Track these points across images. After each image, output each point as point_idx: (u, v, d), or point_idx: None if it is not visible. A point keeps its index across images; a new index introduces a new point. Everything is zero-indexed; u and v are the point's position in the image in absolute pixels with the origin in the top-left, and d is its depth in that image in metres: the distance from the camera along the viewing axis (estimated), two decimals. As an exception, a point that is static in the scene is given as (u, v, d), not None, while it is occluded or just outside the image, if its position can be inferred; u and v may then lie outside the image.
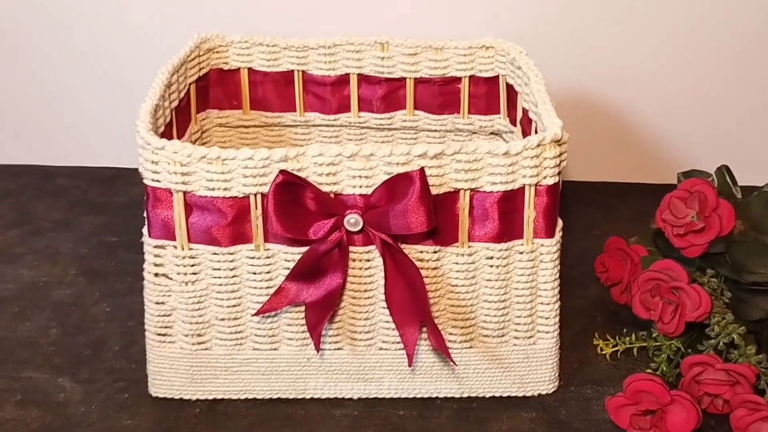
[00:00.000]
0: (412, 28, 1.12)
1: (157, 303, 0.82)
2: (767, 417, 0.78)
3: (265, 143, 1.08)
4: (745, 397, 0.79)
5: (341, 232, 0.77)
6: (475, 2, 1.19)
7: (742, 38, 1.20)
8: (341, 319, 0.82)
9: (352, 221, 0.77)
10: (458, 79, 1.04)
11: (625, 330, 0.92)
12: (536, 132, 0.87)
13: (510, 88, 1.01)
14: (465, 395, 0.85)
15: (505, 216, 0.79)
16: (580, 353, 0.92)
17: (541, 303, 0.83)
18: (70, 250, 1.09)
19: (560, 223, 0.83)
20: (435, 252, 0.80)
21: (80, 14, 1.22)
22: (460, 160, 0.77)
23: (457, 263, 0.81)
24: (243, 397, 0.85)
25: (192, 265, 0.80)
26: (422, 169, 0.75)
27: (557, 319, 0.84)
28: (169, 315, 0.82)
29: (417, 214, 0.75)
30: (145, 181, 0.78)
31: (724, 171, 0.94)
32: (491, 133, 1.06)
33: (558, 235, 0.82)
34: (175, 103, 0.93)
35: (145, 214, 0.80)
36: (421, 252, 0.80)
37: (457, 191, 0.78)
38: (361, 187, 0.76)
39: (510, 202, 0.79)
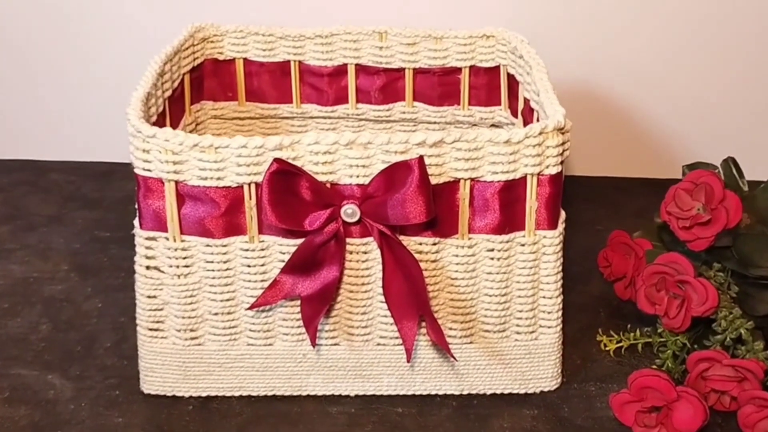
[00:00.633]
0: (412, 18, 1.11)
1: (149, 297, 0.81)
2: (776, 414, 0.76)
3: (260, 135, 1.07)
4: (753, 394, 0.78)
5: (338, 223, 0.76)
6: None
7: (748, 33, 1.20)
8: (338, 314, 0.81)
9: (349, 212, 0.75)
10: (458, 70, 1.03)
11: (629, 326, 0.92)
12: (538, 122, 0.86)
13: (511, 78, 0.99)
14: (465, 392, 0.84)
15: (507, 206, 0.78)
16: (583, 349, 0.91)
17: (544, 297, 0.82)
18: (63, 245, 1.09)
19: (563, 214, 0.81)
20: (434, 244, 0.78)
21: (73, 7, 1.22)
22: (460, 148, 0.75)
23: (457, 255, 0.79)
24: (237, 394, 0.84)
25: (184, 258, 0.79)
26: (421, 158, 0.73)
27: (560, 313, 0.83)
28: (161, 309, 0.81)
29: (415, 204, 0.73)
30: (136, 171, 0.77)
31: (730, 163, 0.93)
32: (492, 125, 1.05)
33: (561, 226, 0.80)
34: (168, 93, 0.91)
35: (136, 205, 0.78)
36: (420, 244, 0.78)
37: (457, 181, 0.77)
38: (358, 176, 0.75)
39: (511, 192, 0.77)
